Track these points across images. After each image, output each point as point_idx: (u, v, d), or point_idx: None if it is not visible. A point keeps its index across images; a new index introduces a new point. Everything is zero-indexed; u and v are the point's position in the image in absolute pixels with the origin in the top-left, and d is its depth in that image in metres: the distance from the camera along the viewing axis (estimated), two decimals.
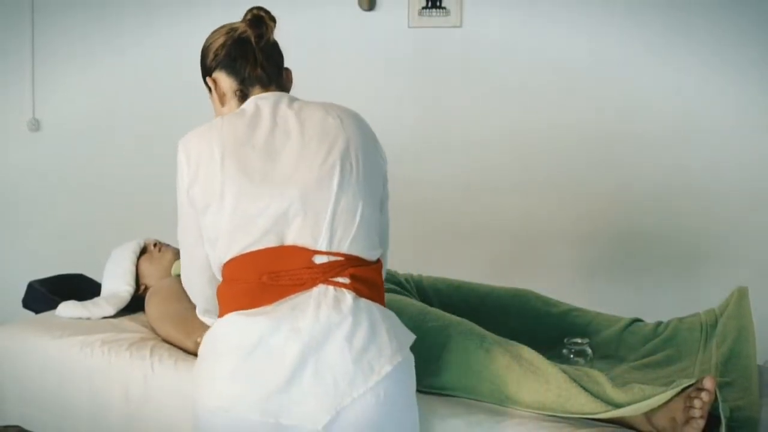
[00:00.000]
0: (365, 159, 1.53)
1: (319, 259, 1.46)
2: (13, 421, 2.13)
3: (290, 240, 1.46)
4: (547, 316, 2.19)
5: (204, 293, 1.63)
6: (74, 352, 2.03)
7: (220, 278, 1.54)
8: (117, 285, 2.30)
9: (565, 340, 2.06)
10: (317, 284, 1.45)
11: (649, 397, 1.60)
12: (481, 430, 1.69)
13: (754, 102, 2.95)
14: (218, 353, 1.45)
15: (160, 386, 1.92)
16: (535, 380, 1.72)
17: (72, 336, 2.07)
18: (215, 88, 1.64)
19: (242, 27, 1.61)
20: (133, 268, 2.32)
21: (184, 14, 3.42)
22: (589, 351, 2.03)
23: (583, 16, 3.08)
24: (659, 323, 2.16)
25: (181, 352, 1.99)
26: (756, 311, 2.04)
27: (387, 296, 2.01)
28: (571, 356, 2.01)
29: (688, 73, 3.00)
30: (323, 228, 1.46)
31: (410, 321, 1.90)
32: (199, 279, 1.61)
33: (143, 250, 2.38)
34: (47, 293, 2.36)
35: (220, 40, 1.62)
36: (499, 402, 1.76)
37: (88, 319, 2.21)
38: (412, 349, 1.82)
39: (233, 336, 1.43)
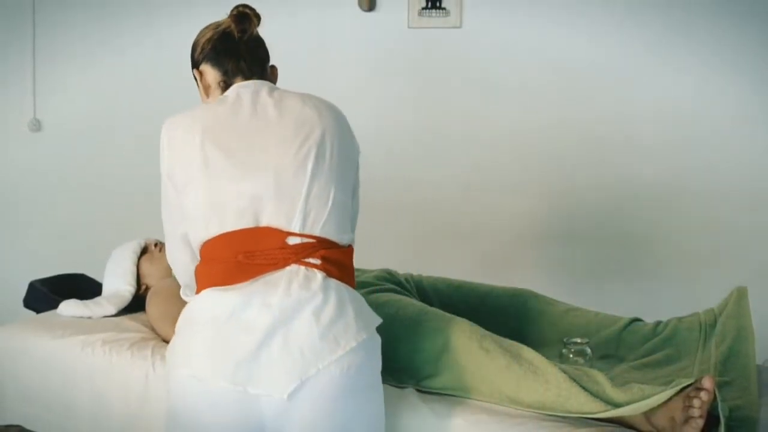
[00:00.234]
0: (339, 148, 1.60)
1: (292, 241, 1.53)
2: (15, 420, 2.13)
3: (265, 221, 1.53)
4: (546, 316, 2.20)
5: (187, 270, 1.68)
6: (75, 352, 2.04)
7: (198, 257, 1.61)
8: (118, 285, 2.30)
9: (565, 340, 2.06)
10: (290, 264, 1.52)
11: (648, 397, 1.60)
12: (481, 429, 1.69)
13: (754, 102, 2.95)
14: (193, 325, 1.52)
15: (162, 386, 1.92)
16: (534, 380, 1.73)
17: (73, 335, 2.08)
18: (201, 80, 1.72)
19: (227, 22, 1.69)
20: (134, 268, 2.33)
21: (185, 14, 3.42)
22: (589, 351, 2.03)
23: (583, 17, 3.08)
24: (658, 323, 2.17)
25: None
26: (755, 311, 2.04)
27: (387, 296, 2.03)
28: (571, 356, 2.01)
29: (688, 73, 3.01)
30: (297, 211, 1.53)
31: (410, 321, 1.91)
32: (181, 255, 1.67)
33: (144, 250, 2.38)
34: (48, 293, 2.37)
35: (208, 35, 1.71)
36: (498, 401, 1.76)
37: (89, 318, 2.21)
38: (413, 348, 1.83)
39: (207, 309, 1.51)
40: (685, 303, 2.39)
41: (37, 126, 3.70)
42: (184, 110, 1.61)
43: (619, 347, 2.11)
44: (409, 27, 3.26)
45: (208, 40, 1.69)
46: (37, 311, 2.36)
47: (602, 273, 3.14)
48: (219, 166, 1.53)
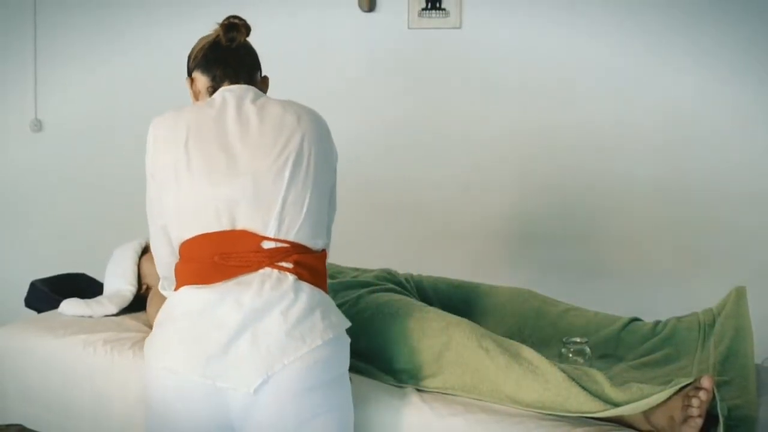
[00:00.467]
0: (317, 155, 1.65)
1: (266, 245, 1.59)
2: (16, 419, 2.14)
3: (242, 225, 1.59)
4: (546, 316, 2.20)
5: (166, 261, 1.74)
6: (77, 351, 2.04)
7: (178, 255, 1.67)
8: (119, 284, 2.31)
9: (564, 340, 2.06)
10: (263, 267, 1.58)
11: (647, 396, 1.61)
12: (481, 428, 1.70)
13: (753, 102, 2.95)
14: (168, 320, 1.59)
15: None
16: (534, 379, 1.73)
17: (74, 335, 2.08)
18: (192, 86, 1.81)
19: (216, 32, 1.77)
20: (135, 268, 2.34)
21: (185, 15, 3.43)
22: (588, 350, 2.03)
23: (583, 17, 3.09)
24: (657, 322, 2.17)
25: None
26: (754, 311, 2.05)
27: (387, 296, 2.03)
28: (570, 355, 2.02)
29: (688, 73, 3.01)
30: (273, 216, 1.59)
31: (410, 320, 1.91)
32: (162, 249, 1.73)
33: (145, 250, 2.39)
34: (49, 292, 2.37)
35: (200, 45, 1.79)
36: (498, 401, 1.76)
37: (90, 317, 2.22)
38: (413, 348, 1.84)
39: (183, 306, 1.58)
40: (684, 303, 2.39)
41: (38, 126, 3.71)
42: (172, 109, 1.67)
43: (618, 347, 2.12)
44: (409, 27, 3.27)
45: (200, 49, 1.78)
46: (39, 311, 2.36)
47: (601, 273, 3.15)
48: (200, 169, 1.59)
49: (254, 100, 1.68)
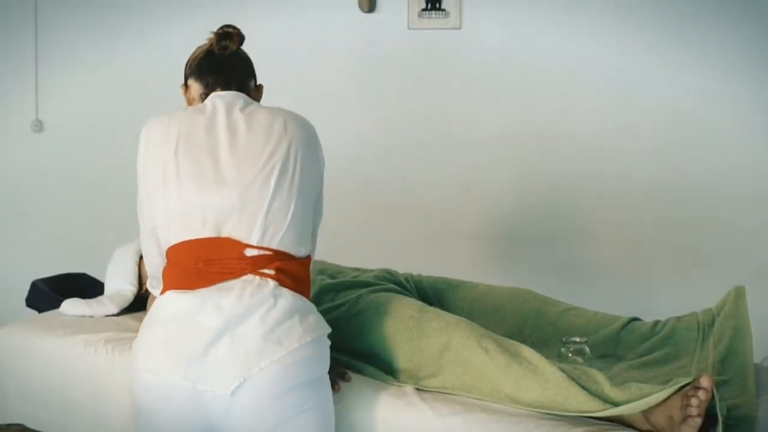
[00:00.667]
0: (303, 163, 1.68)
1: (249, 252, 1.62)
2: (17, 419, 2.14)
3: (226, 232, 1.63)
4: (545, 315, 2.20)
5: (155, 262, 1.79)
6: (78, 351, 2.05)
7: (165, 259, 1.71)
8: (120, 284, 2.32)
9: (564, 339, 2.06)
10: (245, 273, 1.62)
11: (646, 396, 1.61)
12: (481, 428, 1.70)
13: (753, 102, 2.96)
14: (153, 323, 1.64)
15: None
16: (534, 379, 1.73)
17: (75, 335, 2.09)
18: (186, 93, 1.86)
19: (210, 40, 1.81)
20: (136, 268, 2.34)
21: (186, 16, 3.43)
22: (588, 350, 2.04)
23: (582, 17, 3.09)
24: (657, 322, 2.17)
25: None
26: (753, 310, 2.05)
27: (387, 296, 2.04)
28: (570, 355, 2.02)
29: (688, 73, 3.01)
30: (256, 225, 1.62)
31: (410, 320, 1.92)
32: (152, 249, 1.77)
33: None
34: (50, 292, 2.38)
35: (196, 53, 1.84)
36: (498, 400, 1.77)
37: (91, 317, 2.23)
38: (413, 347, 1.84)
39: (167, 310, 1.62)
40: (684, 303, 2.39)
41: (39, 127, 3.71)
42: (165, 113, 1.71)
43: (617, 346, 2.12)
44: (408, 28, 3.27)
45: (195, 57, 1.83)
46: (39, 310, 2.37)
47: (601, 273, 3.15)
48: (188, 176, 1.62)
49: (243, 108, 1.72)
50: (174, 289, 1.63)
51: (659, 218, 3.09)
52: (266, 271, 1.62)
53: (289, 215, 1.64)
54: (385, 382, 1.88)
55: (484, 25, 3.20)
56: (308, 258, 1.73)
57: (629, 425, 1.68)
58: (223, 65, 1.78)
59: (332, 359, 1.91)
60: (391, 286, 2.20)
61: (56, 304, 2.29)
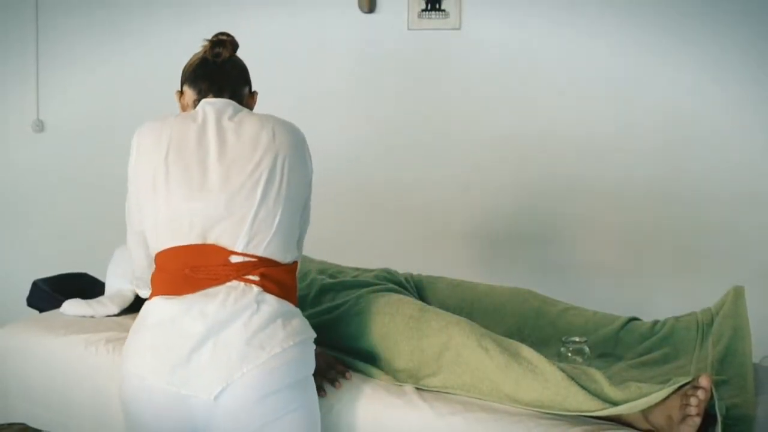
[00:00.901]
0: (291, 171, 1.70)
1: (234, 259, 1.65)
2: (18, 418, 2.15)
3: (212, 239, 1.65)
4: (545, 315, 2.20)
5: (141, 264, 1.83)
6: (79, 351, 2.05)
7: (152, 263, 1.73)
8: (121, 284, 2.32)
9: (563, 339, 2.06)
10: (230, 279, 1.64)
11: (645, 395, 1.61)
12: (480, 427, 1.71)
13: (752, 102, 2.96)
14: (140, 328, 1.66)
15: None
16: (533, 378, 1.74)
17: (76, 334, 2.09)
18: (181, 99, 1.88)
19: (204, 48, 1.83)
20: None
21: (186, 16, 3.43)
22: (587, 349, 2.04)
23: (582, 18, 3.09)
24: (656, 322, 2.18)
25: None
26: (752, 310, 2.06)
27: (387, 295, 2.04)
28: (569, 354, 2.02)
29: (687, 74, 3.01)
30: (242, 232, 1.65)
31: (409, 320, 1.92)
32: (138, 250, 1.80)
33: None
34: (51, 292, 2.38)
35: (191, 60, 1.86)
36: (497, 400, 1.77)
37: (92, 317, 2.23)
38: (412, 347, 1.84)
39: (153, 315, 1.65)
40: (683, 302, 2.40)
41: (40, 127, 3.72)
42: (157, 118, 1.73)
43: (617, 346, 2.12)
44: (408, 28, 3.28)
45: (190, 65, 1.85)
46: (41, 310, 2.37)
47: (600, 272, 3.15)
48: (177, 182, 1.64)
49: (232, 116, 1.73)
50: (161, 294, 1.66)
51: (659, 218, 3.09)
52: (251, 277, 1.64)
53: (276, 223, 1.67)
54: (385, 382, 1.88)
55: (483, 26, 3.20)
56: (294, 264, 1.75)
57: (628, 425, 1.68)
58: (216, 72, 1.81)
59: (332, 358, 1.92)
60: (391, 286, 2.21)
61: (57, 304, 2.30)
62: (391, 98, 3.36)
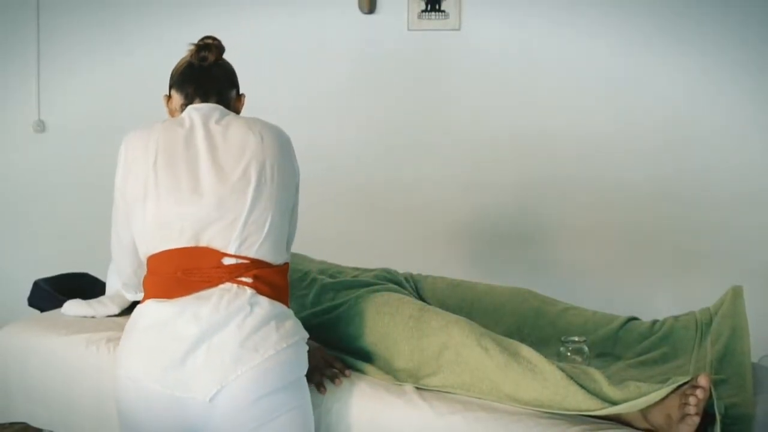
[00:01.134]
0: (279, 173, 1.71)
1: (227, 261, 1.66)
2: (20, 418, 2.15)
3: (204, 242, 1.66)
4: (544, 315, 2.21)
5: (126, 271, 1.86)
6: (80, 350, 2.06)
7: (142, 262, 1.75)
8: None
9: (563, 338, 2.06)
10: (223, 282, 1.65)
11: (645, 395, 1.61)
12: (480, 427, 1.71)
13: (747, 103, 2.96)
14: (133, 332, 1.67)
15: None
16: (533, 378, 1.74)
17: (77, 334, 2.10)
18: (169, 103, 1.89)
19: (190, 52, 1.84)
20: None
21: (187, 17, 3.44)
22: (586, 349, 2.04)
23: (582, 18, 3.10)
24: (655, 321, 2.18)
25: None
26: (750, 310, 2.06)
27: (386, 295, 2.05)
28: (569, 354, 2.02)
29: (686, 74, 3.02)
30: (235, 234, 1.66)
31: (409, 319, 1.93)
32: (123, 258, 1.82)
33: None
34: (53, 292, 2.39)
35: (178, 65, 1.88)
36: (497, 399, 1.77)
37: (93, 317, 2.24)
38: (412, 347, 1.85)
39: (146, 318, 1.66)
40: (682, 302, 2.40)
41: (41, 127, 3.72)
42: (143, 126, 1.74)
43: (616, 345, 2.13)
44: (408, 29, 3.28)
45: (177, 69, 1.87)
46: (42, 310, 2.38)
47: (600, 272, 3.16)
48: (167, 188, 1.65)
49: (219, 120, 1.75)
50: (153, 297, 1.67)
51: (658, 218, 3.10)
52: (244, 279, 1.65)
53: (267, 224, 1.68)
54: (385, 381, 1.89)
55: (483, 26, 3.20)
56: (286, 265, 1.76)
57: (627, 424, 1.69)
58: (203, 76, 1.82)
59: (331, 356, 1.93)
60: (391, 285, 2.21)
61: (58, 304, 2.30)
62: (391, 98, 3.37)
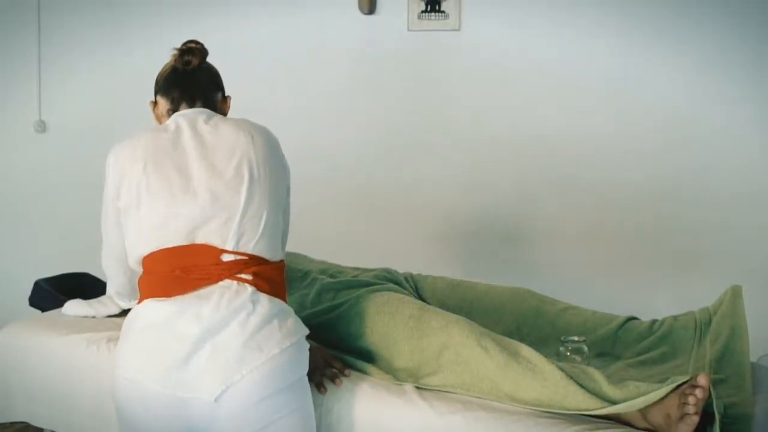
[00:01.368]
0: (271, 172, 1.73)
1: (226, 258, 1.66)
2: (21, 417, 2.16)
3: (201, 239, 1.66)
4: (544, 315, 2.21)
5: (117, 278, 1.88)
6: (80, 350, 2.06)
7: (138, 270, 1.75)
8: None
9: (562, 338, 2.06)
10: (223, 279, 1.65)
11: (644, 394, 1.62)
12: (480, 426, 1.71)
13: (749, 103, 2.97)
14: (131, 332, 1.66)
15: None
16: (533, 378, 1.74)
17: (78, 333, 2.10)
18: (155, 109, 1.90)
19: (174, 56, 1.85)
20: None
21: (188, 17, 3.44)
22: (586, 349, 2.04)
23: (582, 18, 3.10)
24: (654, 321, 2.18)
25: None
26: (749, 309, 2.06)
27: (386, 295, 2.05)
28: (568, 354, 2.02)
29: (687, 73, 3.02)
30: (232, 231, 1.66)
31: (409, 319, 1.93)
32: (114, 265, 1.86)
33: None
34: (53, 291, 2.39)
35: (162, 70, 1.88)
36: (497, 399, 1.78)
37: (94, 317, 2.24)
38: (412, 346, 1.85)
39: (145, 318, 1.65)
40: (681, 302, 2.40)
41: (42, 127, 3.72)
42: (130, 136, 1.75)
43: (615, 345, 2.13)
44: (408, 29, 3.28)
45: (162, 74, 1.87)
46: (42, 310, 2.38)
47: (599, 272, 3.16)
48: (159, 190, 1.66)
49: (206, 121, 1.75)
50: (151, 297, 1.66)
51: (658, 218, 3.10)
52: (243, 276, 1.65)
53: (263, 222, 1.69)
54: (385, 381, 1.89)
55: (483, 27, 3.21)
56: (282, 262, 1.77)
57: (627, 423, 1.69)
58: (187, 80, 1.83)
59: (330, 355, 1.93)
60: (391, 285, 2.22)
61: (59, 304, 2.31)
62: (391, 98, 3.37)
